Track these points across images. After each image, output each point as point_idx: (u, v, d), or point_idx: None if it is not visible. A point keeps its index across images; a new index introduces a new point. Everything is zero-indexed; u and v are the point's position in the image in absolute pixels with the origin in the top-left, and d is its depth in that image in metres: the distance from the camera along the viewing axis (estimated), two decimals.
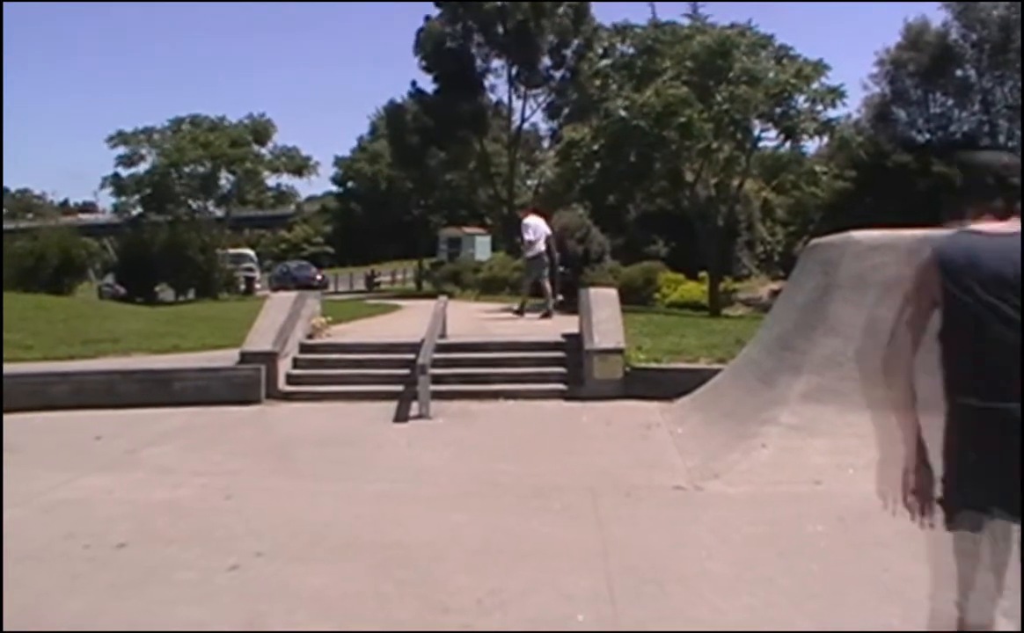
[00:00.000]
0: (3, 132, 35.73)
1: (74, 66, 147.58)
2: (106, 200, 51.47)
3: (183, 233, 38.03)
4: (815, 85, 24.21)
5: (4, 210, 47.91)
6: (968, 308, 2.48)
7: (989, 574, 2.59)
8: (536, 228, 15.06)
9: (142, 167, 39.14)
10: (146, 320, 16.59)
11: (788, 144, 25.89)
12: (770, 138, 25.98)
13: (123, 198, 39.78)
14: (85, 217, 75.15)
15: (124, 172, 39.00)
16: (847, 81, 50.73)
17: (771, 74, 24.15)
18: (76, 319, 15.19)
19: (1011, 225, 2.56)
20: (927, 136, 40.75)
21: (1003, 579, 2.59)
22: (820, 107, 24.44)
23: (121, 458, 7.12)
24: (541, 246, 14.91)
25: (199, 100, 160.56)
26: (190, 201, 39.92)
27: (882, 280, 7.00)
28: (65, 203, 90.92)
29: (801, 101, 24.41)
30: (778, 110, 24.21)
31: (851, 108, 46.97)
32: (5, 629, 3.71)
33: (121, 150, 38.57)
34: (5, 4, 29.02)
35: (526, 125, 42.71)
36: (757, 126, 25.26)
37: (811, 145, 28.89)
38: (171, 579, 4.36)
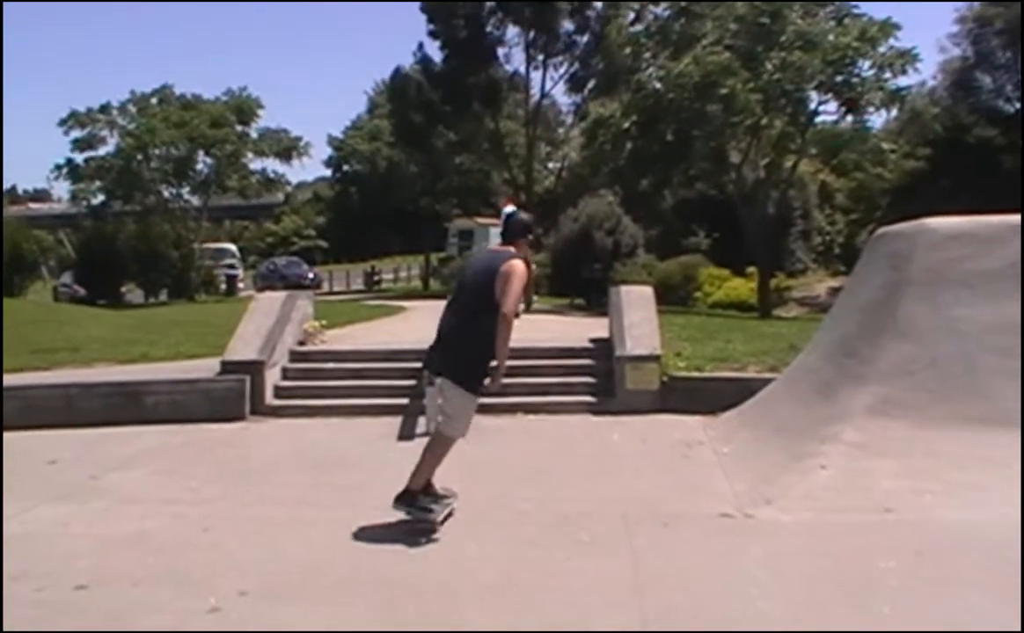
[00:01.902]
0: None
1: (16, 34, 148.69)
2: (62, 187, 51.27)
3: (154, 225, 38.14)
4: (882, 48, 24.04)
5: None
6: None
7: None
8: None
9: (103, 150, 39.03)
10: (111, 325, 16.70)
11: (850, 118, 25.70)
12: (829, 111, 25.87)
13: (81, 185, 39.57)
14: (36, 207, 74.17)
15: (81, 157, 38.70)
16: (920, 43, 50.00)
17: (830, 37, 24.04)
18: (27, 325, 15.31)
19: None
20: (1016, 106, 39.70)
21: None
22: (888, 74, 24.25)
23: (81, 485, 7.10)
24: None
25: (168, 75, 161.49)
26: (162, 188, 39.88)
27: (961, 275, 6.98)
28: (12, 190, 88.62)
29: (865, 67, 24.26)
30: (838, 78, 24.05)
31: (925, 74, 46.63)
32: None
33: (77, 134, 38.21)
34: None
35: (546, 100, 42.76)
36: (813, 97, 25.17)
37: (877, 119, 28.75)
38: (139, 625, 4.36)
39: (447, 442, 5.99)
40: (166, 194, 40.02)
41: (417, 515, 5.78)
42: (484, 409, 9.29)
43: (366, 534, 5.69)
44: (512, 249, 5.94)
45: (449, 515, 5.97)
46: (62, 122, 37.79)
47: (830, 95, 24.75)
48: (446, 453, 5.99)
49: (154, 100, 39.75)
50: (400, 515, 5.76)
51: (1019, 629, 2.39)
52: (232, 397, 9.71)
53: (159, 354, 12.38)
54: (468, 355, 5.86)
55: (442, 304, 6.29)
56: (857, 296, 7.83)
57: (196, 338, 13.91)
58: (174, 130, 37.36)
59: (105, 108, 38.67)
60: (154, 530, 5.87)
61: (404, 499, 5.82)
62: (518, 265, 5.79)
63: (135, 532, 5.82)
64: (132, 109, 39.12)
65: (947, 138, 34.74)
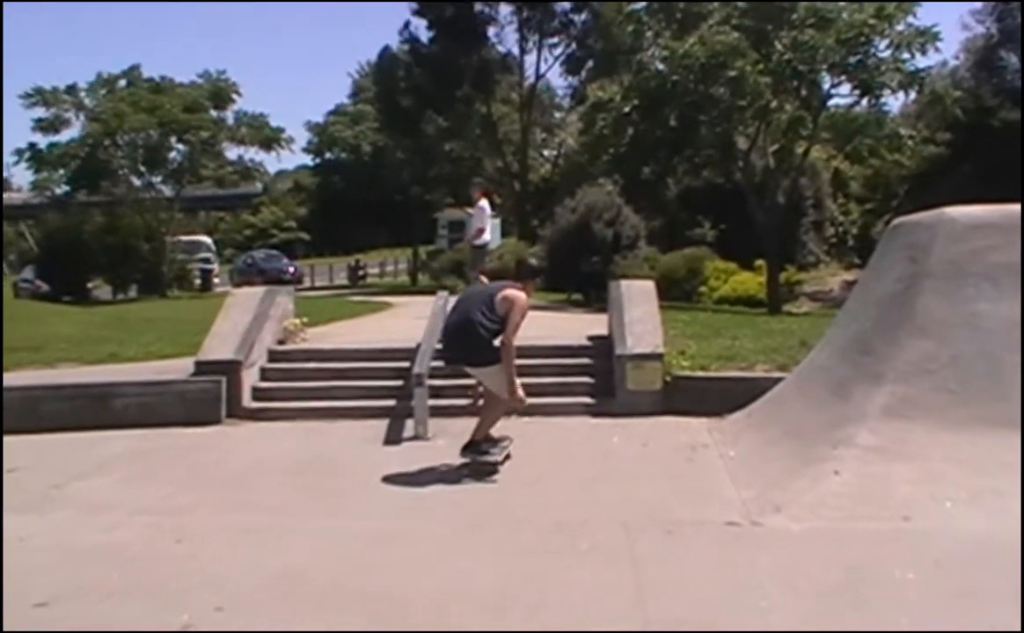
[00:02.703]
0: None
1: None
2: (22, 176, 50.80)
3: (123, 216, 37.98)
4: (900, 27, 24.06)
5: None
6: None
7: None
8: (487, 213, 15.90)
9: (68, 135, 38.76)
10: (77, 323, 16.67)
11: (865, 101, 25.72)
12: (843, 94, 25.90)
13: (44, 174, 39.29)
14: None
15: (44, 142, 38.37)
16: (941, 20, 49.86)
17: (844, 14, 24.04)
18: None
19: None
20: None
21: None
22: (906, 54, 24.25)
23: (44, 494, 7.07)
24: (488, 235, 15.81)
25: (137, 55, 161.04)
26: (132, 177, 39.69)
27: (984, 268, 6.98)
28: None
29: (882, 47, 24.27)
30: (853, 59, 24.09)
31: (946, 53, 46.53)
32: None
33: (40, 113, 37.89)
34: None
35: (541, 82, 42.79)
36: (827, 80, 25.16)
37: (894, 102, 28.74)
38: None
39: (503, 404, 7.52)
40: (137, 184, 39.83)
41: (482, 460, 7.45)
42: (476, 411, 9.35)
43: (351, 544, 5.69)
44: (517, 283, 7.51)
45: (507, 457, 7.54)
46: (25, 96, 37.26)
47: (844, 77, 24.77)
48: (502, 413, 7.68)
49: (122, 82, 39.49)
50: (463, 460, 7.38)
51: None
52: (207, 399, 9.69)
53: (129, 354, 12.35)
54: (480, 340, 7.28)
55: (431, 299, 6.36)
56: (873, 290, 7.84)
57: (168, 336, 13.89)
58: (144, 115, 36.98)
59: (72, 89, 38.36)
60: (123, 541, 5.85)
61: (470, 449, 7.50)
62: (522, 296, 7.34)
63: (102, 544, 5.80)
64: (100, 91, 38.86)
65: (969, 122, 34.54)
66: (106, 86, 38.97)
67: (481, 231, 15.55)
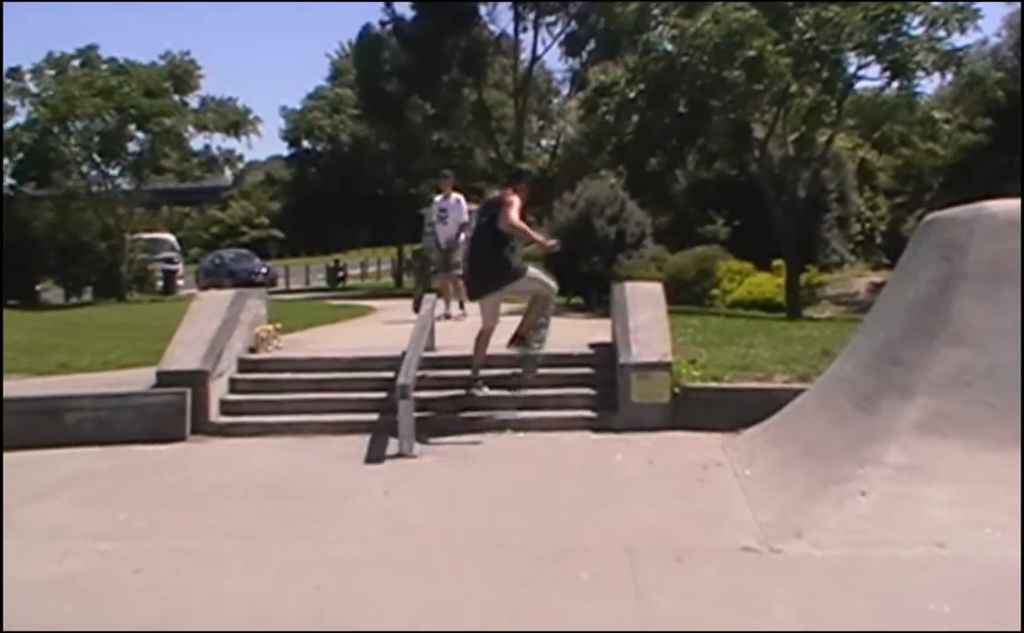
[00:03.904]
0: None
1: None
2: None
3: (76, 212, 37.90)
4: (935, 2, 24.07)
5: None
6: None
7: None
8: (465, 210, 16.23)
9: (11, 122, 38.34)
10: (24, 329, 16.62)
11: (896, 84, 25.69)
12: (871, 77, 25.87)
13: None
14: None
15: None
16: None
17: None
18: None
19: None
20: None
21: None
22: (942, 32, 24.26)
23: None
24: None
25: (93, 34, 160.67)
26: (86, 168, 39.57)
27: None
28: None
29: (915, 24, 24.27)
30: (882, 38, 24.07)
31: (987, 31, 46.40)
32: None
33: None
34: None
35: (537, 65, 42.80)
36: (853, 60, 25.17)
37: (928, 84, 28.70)
38: None
39: (546, 299, 9.90)
40: (91, 175, 39.68)
41: (528, 351, 9.86)
42: (468, 426, 9.40)
43: (327, 572, 5.67)
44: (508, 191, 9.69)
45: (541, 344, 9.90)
46: None
47: (872, 57, 24.74)
48: (548, 306, 9.95)
49: (76, 62, 39.31)
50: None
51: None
52: (170, 413, 9.65)
53: (82, 363, 12.32)
54: (497, 263, 9.60)
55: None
56: (903, 293, 7.85)
57: (127, 344, 13.86)
58: (99, 99, 36.79)
59: (15, 72, 38.12)
60: (75, 572, 5.83)
61: (516, 342, 9.85)
62: (511, 195, 9.57)
63: (52, 575, 5.76)
64: (49, 74, 38.63)
65: (1012, 107, 34.38)
66: (56, 67, 38.70)
67: (463, 228, 15.71)
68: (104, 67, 38.82)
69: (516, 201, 9.47)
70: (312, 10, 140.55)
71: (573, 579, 5.45)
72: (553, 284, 9.98)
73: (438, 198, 16.52)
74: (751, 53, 23.14)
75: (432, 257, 16.68)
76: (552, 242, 10.31)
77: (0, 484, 7.46)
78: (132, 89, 37.20)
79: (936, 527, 5.84)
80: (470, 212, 15.60)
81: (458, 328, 13.62)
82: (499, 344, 9.96)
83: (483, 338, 9.91)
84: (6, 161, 38.00)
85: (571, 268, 23.32)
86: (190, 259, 56.06)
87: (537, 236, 10.09)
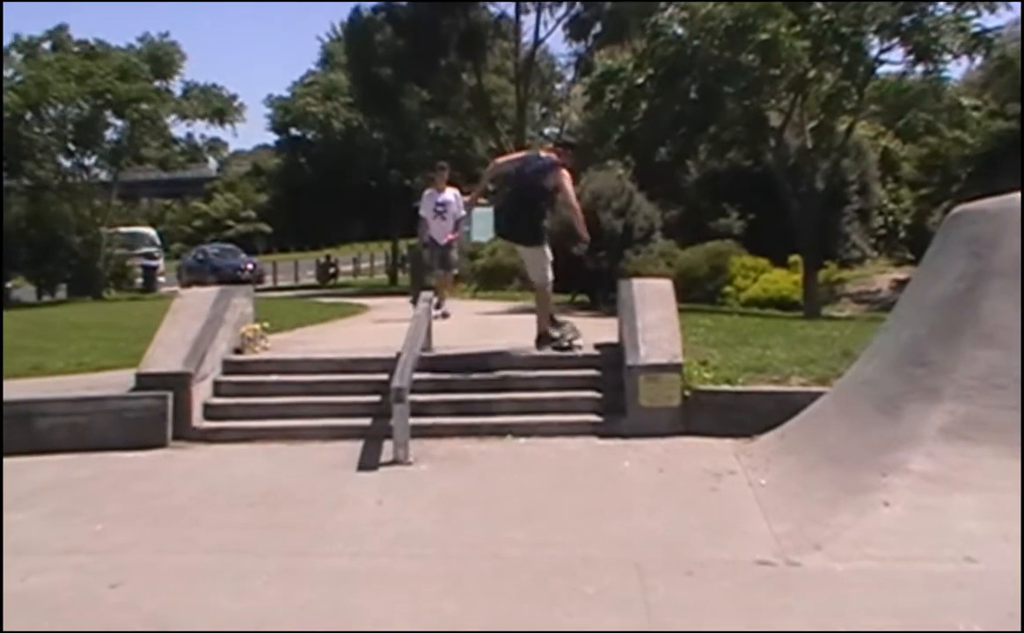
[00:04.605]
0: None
1: None
2: None
3: (49, 204, 37.90)
4: None
5: None
6: None
7: None
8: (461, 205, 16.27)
9: None
10: None
11: (921, 68, 25.69)
12: (894, 61, 25.93)
13: None
14: None
15: None
16: None
17: None
18: None
19: None
20: None
21: None
22: (971, 12, 24.24)
23: None
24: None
25: (64, 15, 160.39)
26: (59, 158, 39.45)
27: None
28: None
29: (942, 4, 24.26)
30: (906, 19, 24.09)
31: (1018, 11, 46.24)
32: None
33: None
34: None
35: (540, 49, 42.78)
36: (875, 43, 25.17)
37: (956, 69, 28.63)
38: None
39: (545, 292, 10.84)
40: (65, 165, 39.60)
41: (556, 345, 10.72)
42: (466, 431, 9.39)
43: (319, 587, 5.66)
44: (554, 156, 11.05)
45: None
46: None
47: (896, 39, 24.75)
48: (550, 298, 11.05)
49: (47, 45, 39.21)
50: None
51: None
52: (150, 418, 9.63)
53: (56, 365, 12.32)
54: (531, 222, 10.80)
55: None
56: (928, 291, 7.83)
57: (104, 345, 13.86)
58: (74, 84, 36.69)
59: None
60: (48, 587, 5.80)
61: (542, 340, 10.77)
62: (563, 166, 10.82)
63: (22, 593, 5.72)
64: (17, 57, 38.52)
65: None
66: (26, 50, 38.62)
67: (458, 223, 15.68)
68: (76, 50, 38.67)
69: (568, 177, 10.81)
70: None
71: (578, 594, 5.43)
72: (550, 276, 10.83)
73: (429, 192, 16.52)
74: (765, 36, 23.14)
75: (426, 254, 16.70)
76: (587, 238, 11.12)
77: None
78: (107, 73, 37.05)
79: (965, 540, 5.82)
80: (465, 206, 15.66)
81: (456, 327, 13.60)
82: (500, 344, 9.95)
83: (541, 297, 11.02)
84: None
85: (576, 264, 23.34)
86: (171, 254, 56.05)
87: (581, 226, 10.94)
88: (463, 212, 15.94)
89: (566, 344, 10.78)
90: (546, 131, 47.81)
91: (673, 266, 23.65)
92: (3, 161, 36.61)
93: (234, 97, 41.31)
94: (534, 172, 10.87)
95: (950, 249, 7.80)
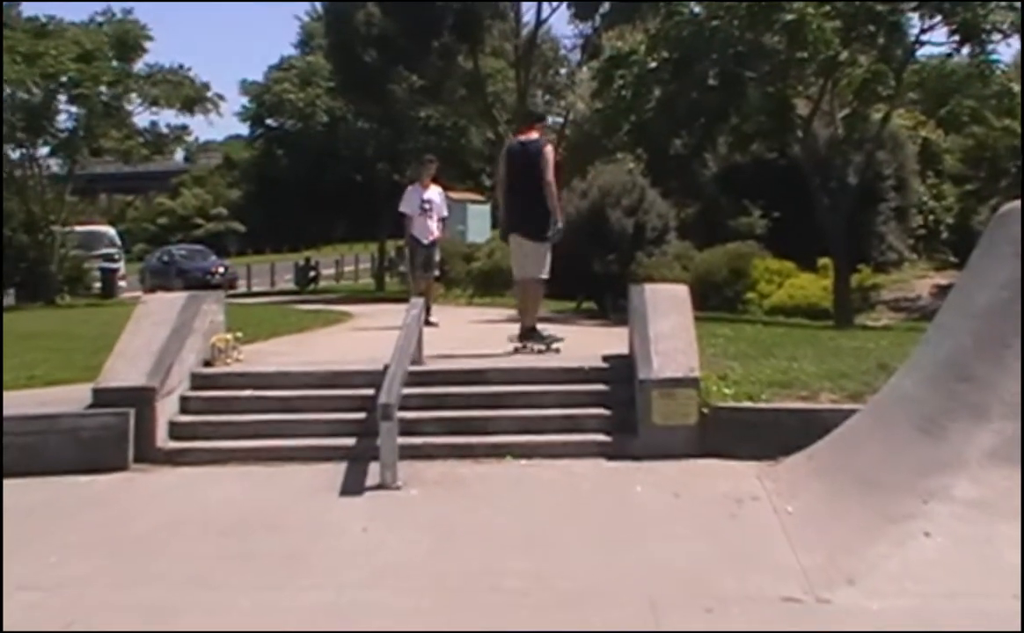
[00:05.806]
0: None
1: None
2: None
3: None
4: None
5: None
6: None
7: None
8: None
9: None
10: None
11: (966, 50, 25.70)
12: (936, 42, 25.95)
13: None
14: None
15: None
16: None
17: None
18: None
19: None
20: None
21: None
22: None
23: None
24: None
25: None
26: (8, 148, 39.28)
27: None
28: None
29: None
30: None
31: None
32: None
33: None
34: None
35: (543, 30, 42.88)
36: (914, 23, 25.18)
37: (1005, 50, 28.65)
38: None
39: (538, 285, 11.88)
40: (13, 156, 39.47)
41: (541, 344, 11.67)
42: (461, 452, 9.38)
43: (298, 625, 5.67)
44: (535, 135, 11.99)
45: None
46: None
47: (939, 18, 24.74)
48: (541, 293, 12.13)
49: None
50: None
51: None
52: (109, 438, 9.60)
53: (5, 379, 12.30)
54: (530, 216, 11.68)
55: (400, 309, 6.48)
56: (973, 298, 7.84)
57: (58, 356, 13.85)
58: (22, 66, 36.50)
59: None
60: None
61: (527, 337, 11.67)
62: (548, 146, 11.99)
63: None
64: None
65: None
66: None
67: (444, 222, 15.81)
68: (26, 28, 38.39)
69: (551, 157, 11.80)
70: None
71: (585, 631, 5.43)
72: (545, 273, 11.94)
73: (413, 187, 16.69)
74: (791, 16, 23.15)
75: (407, 254, 16.84)
76: (561, 223, 12.00)
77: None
78: (61, 53, 36.74)
79: (1014, 574, 5.81)
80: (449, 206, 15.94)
81: (450, 337, 13.60)
82: (498, 356, 9.94)
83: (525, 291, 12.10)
84: None
85: (582, 267, 23.40)
86: (133, 256, 56.14)
87: (559, 210, 11.94)
88: (445, 212, 16.07)
89: (548, 341, 11.83)
90: (549, 120, 47.84)
91: (689, 270, 23.74)
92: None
93: (207, 86, 41.20)
94: (531, 165, 11.68)
95: (997, 251, 7.80)
